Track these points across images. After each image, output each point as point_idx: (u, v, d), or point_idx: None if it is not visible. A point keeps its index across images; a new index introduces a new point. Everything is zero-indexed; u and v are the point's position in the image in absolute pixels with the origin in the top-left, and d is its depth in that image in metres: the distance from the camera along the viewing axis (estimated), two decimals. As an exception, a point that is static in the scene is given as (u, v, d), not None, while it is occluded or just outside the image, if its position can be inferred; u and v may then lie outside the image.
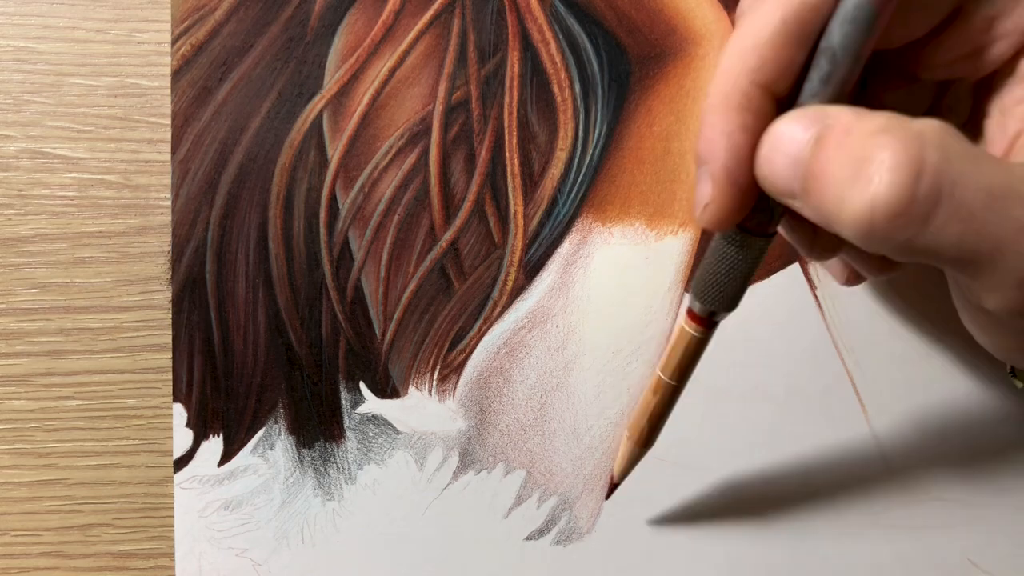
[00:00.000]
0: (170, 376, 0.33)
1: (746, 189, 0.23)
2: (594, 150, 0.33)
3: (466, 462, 0.33)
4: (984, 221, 0.19)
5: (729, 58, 0.22)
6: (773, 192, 0.22)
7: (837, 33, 0.21)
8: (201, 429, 0.33)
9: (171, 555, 0.33)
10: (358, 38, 0.33)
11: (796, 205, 0.22)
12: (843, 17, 0.21)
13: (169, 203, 0.33)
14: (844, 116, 0.21)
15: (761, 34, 0.22)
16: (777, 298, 0.33)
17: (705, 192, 0.23)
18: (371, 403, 0.33)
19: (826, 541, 0.33)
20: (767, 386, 0.33)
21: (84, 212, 0.33)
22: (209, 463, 0.32)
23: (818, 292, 0.33)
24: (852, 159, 0.20)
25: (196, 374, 0.32)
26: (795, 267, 0.33)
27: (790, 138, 0.21)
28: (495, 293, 0.33)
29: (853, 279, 0.30)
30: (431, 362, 0.33)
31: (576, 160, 0.33)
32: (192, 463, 0.32)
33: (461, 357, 0.33)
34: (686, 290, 0.33)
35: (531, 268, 0.33)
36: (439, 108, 0.33)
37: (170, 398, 0.33)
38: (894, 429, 0.33)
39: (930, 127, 0.20)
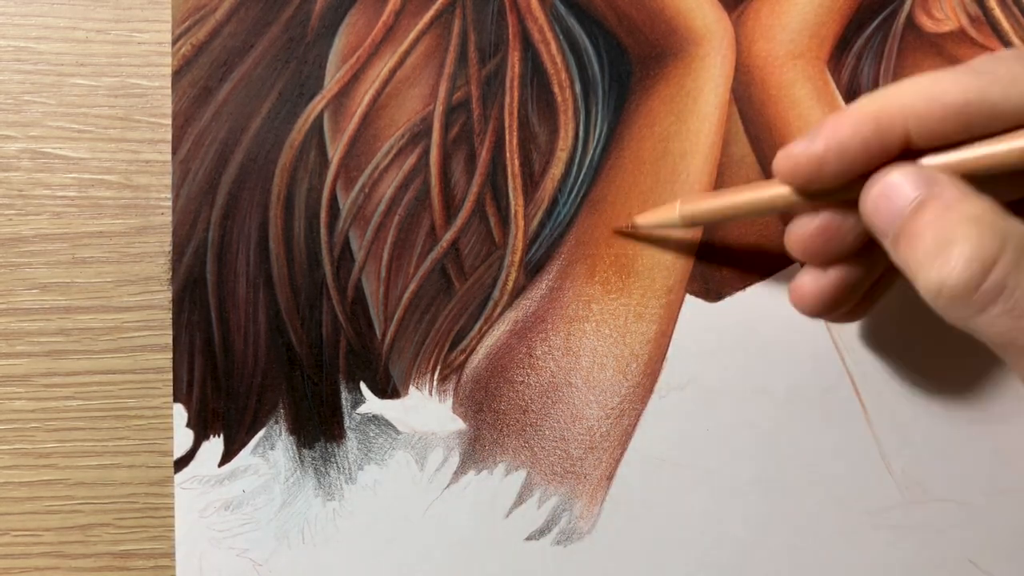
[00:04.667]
0: (170, 376, 0.33)
1: (831, 177, 0.25)
2: (595, 150, 0.33)
3: (466, 462, 0.33)
4: None
5: (905, 94, 0.24)
6: (870, 228, 0.25)
7: None
8: (201, 429, 0.33)
9: (171, 555, 0.33)
10: (359, 38, 0.33)
11: (884, 243, 0.25)
12: None
13: (169, 203, 0.33)
14: (949, 191, 0.23)
15: (947, 104, 0.24)
16: (777, 298, 0.33)
17: (803, 146, 0.25)
18: (371, 403, 0.33)
19: (826, 541, 0.33)
20: (767, 386, 0.33)
21: (85, 212, 0.33)
22: (209, 463, 0.32)
23: (818, 292, 0.33)
24: (941, 236, 0.23)
25: (196, 374, 0.32)
26: (795, 267, 0.33)
27: (899, 192, 0.24)
28: (496, 293, 0.33)
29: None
30: (432, 362, 0.33)
31: (577, 160, 0.33)
32: (193, 463, 0.32)
33: (462, 357, 0.33)
34: (686, 290, 0.33)
35: (532, 268, 0.33)
36: (440, 108, 0.33)
37: (170, 398, 0.33)
38: (894, 429, 0.33)
39: (1018, 231, 0.22)
